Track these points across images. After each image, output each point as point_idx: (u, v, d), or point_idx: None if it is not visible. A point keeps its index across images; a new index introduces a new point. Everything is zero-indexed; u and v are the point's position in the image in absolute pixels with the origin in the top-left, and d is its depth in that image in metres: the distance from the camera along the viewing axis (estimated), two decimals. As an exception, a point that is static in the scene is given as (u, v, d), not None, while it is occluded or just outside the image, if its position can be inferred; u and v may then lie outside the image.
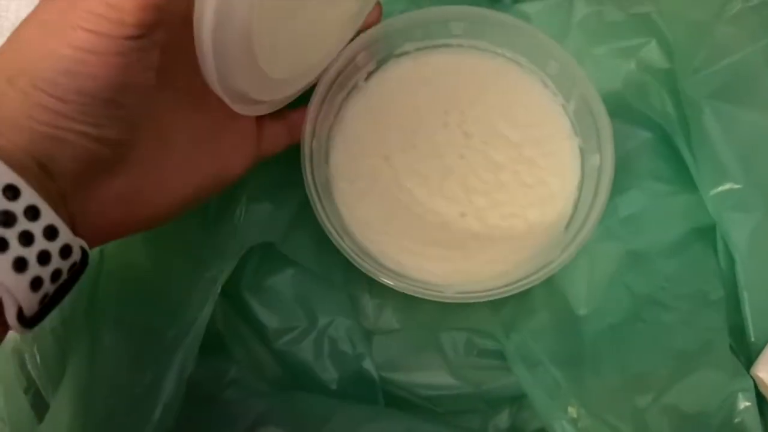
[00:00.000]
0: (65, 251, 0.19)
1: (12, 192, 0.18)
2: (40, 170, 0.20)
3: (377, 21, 0.32)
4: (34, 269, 0.18)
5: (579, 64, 0.33)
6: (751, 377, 0.28)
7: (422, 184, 0.31)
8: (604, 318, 0.31)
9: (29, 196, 0.18)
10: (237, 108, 0.25)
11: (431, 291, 0.28)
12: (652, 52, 0.35)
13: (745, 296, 0.29)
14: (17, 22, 0.21)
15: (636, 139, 0.34)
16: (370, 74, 0.33)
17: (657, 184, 0.33)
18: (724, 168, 0.30)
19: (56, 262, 0.19)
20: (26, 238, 0.18)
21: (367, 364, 0.31)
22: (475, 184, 0.31)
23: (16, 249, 0.18)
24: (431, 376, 0.32)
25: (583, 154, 0.32)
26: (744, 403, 0.27)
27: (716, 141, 0.30)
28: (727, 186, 0.30)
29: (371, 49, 0.32)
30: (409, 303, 0.31)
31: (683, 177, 0.33)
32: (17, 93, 0.20)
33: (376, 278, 0.28)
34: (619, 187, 0.32)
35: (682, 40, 0.33)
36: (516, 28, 0.33)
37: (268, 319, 0.32)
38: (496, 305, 0.32)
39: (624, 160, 0.33)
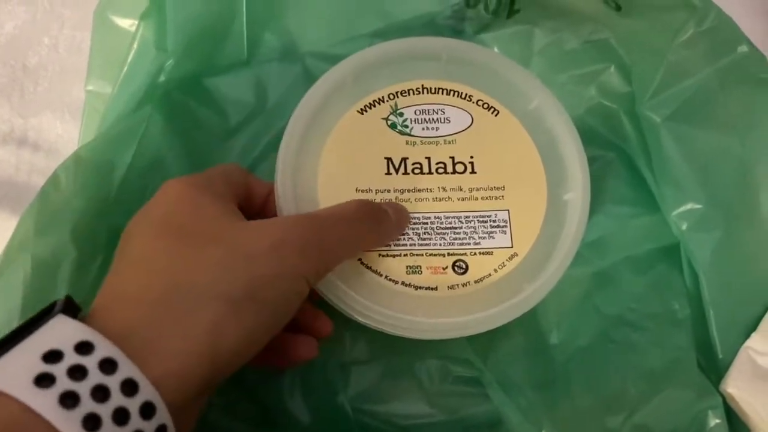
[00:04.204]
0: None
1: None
2: None
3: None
4: None
5: None
6: (720, 394, 0.29)
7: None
8: (576, 341, 0.31)
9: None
10: None
11: (406, 327, 0.28)
12: (612, 78, 0.36)
13: (711, 313, 0.30)
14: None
15: (599, 163, 0.35)
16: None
17: (621, 207, 0.34)
18: (684, 188, 0.31)
19: None
20: None
21: (341, 399, 0.31)
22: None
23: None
24: (407, 406, 0.32)
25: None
26: (714, 421, 0.28)
27: (675, 162, 0.31)
28: (688, 206, 0.31)
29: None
30: (383, 334, 0.31)
31: (646, 199, 0.33)
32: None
33: (350, 317, 0.28)
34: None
35: (639, 65, 0.34)
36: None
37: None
38: (470, 333, 0.32)
39: (590, 183, 0.34)
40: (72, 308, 0.20)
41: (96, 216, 0.28)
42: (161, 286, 0.21)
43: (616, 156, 0.35)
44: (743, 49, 0.32)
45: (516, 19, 0.38)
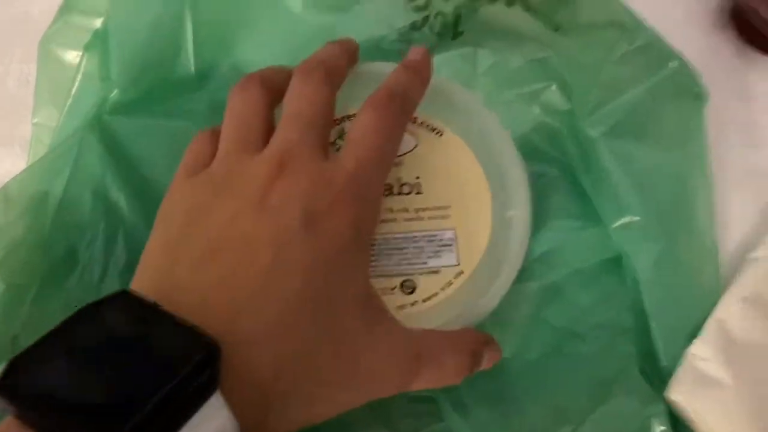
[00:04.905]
0: None
1: None
2: None
3: None
4: None
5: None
6: (666, 401, 0.29)
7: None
8: (526, 354, 0.31)
9: None
10: None
11: None
12: (554, 96, 0.36)
13: (653, 323, 0.30)
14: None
15: (546, 179, 0.36)
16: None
17: (568, 222, 0.34)
18: (623, 202, 0.32)
19: None
20: None
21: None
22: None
23: None
24: (364, 428, 0.32)
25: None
26: (659, 428, 0.28)
27: (613, 177, 0.32)
28: (627, 219, 0.32)
29: None
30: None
31: (592, 213, 0.34)
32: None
33: None
34: (534, 226, 0.34)
35: (578, 83, 0.35)
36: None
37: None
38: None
39: (535, 199, 0.35)
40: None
41: (33, 247, 0.28)
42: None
43: (561, 172, 0.35)
44: (674, 64, 0.33)
45: (461, 40, 0.39)
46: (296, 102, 0.28)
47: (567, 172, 0.35)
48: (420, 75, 0.31)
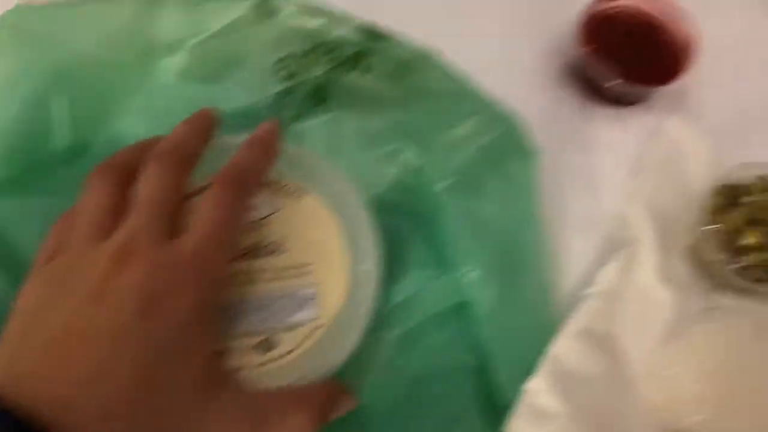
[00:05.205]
0: None
1: None
2: None
3: None
4: None
5: (351, 172, 0.37)
6: (506, 436, 0.32)
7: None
8: (382, 401, 0.34)
9: None
10: None
11: None
12: (409, 155, 0.40)
13: (495, 362, 0.33)
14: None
15: (403, 232, 0.39)
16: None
17: (422, 271, 0.37)
18: (465, 251, 0.35)
19: None
20: None
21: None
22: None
23: None
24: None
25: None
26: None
27: (456, 228, 0.35)
28: (469, 267, 0.35)
29: None
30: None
31: (442, 261, 0.37)
32: None
33: None
34: (392, 276, 0.37)
35: (426, 143, 0.38)
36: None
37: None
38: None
39: (395, 252, 0.38)
40: None
41: None
42: None
43: (417, 225, 0.39)
44: (506, 125, 0.37)
45: (329, 105, 0.42)
46: (147, 188, 0.29)
47: (422, 225, 0.39)
48: (265, 151, 0.33)
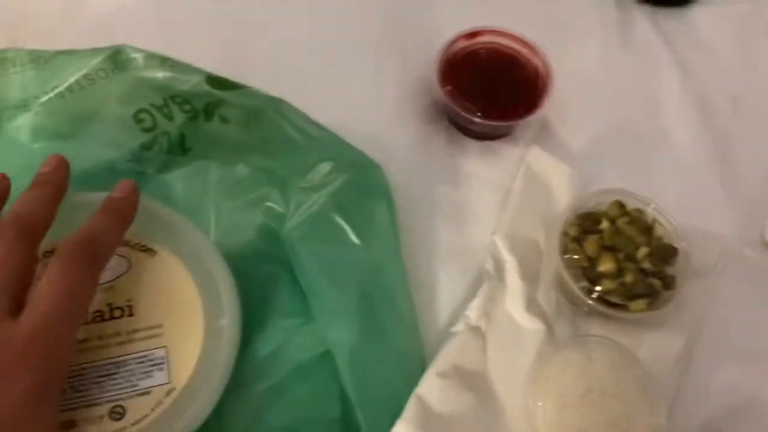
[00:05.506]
0: None
1: None
2: None
3: None
4: None
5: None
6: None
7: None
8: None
9: None
10: None
11: None
12: (275, 201, 0.39)
13: (357, 411, 0.33)
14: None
15: (269, 280, 0.38)
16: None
17: (288, 320, 0.36)
18: (323, 297, 0.35)
19: None
20: None
21: None
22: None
23: None
24: None
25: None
26: None
27: (314, 275, 0.35)
28: (327, 313, 0.34)
29: None
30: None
31: (307, 309, 0.36)
32: None
33: None
34: (258, 327, 0.36)
35: (288, 191, 0.38)
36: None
37: None
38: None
39: (260, 301, 0.37)
40: None
41: None
42: None
43: (282, 272, 0.38)
44: (355, 170, 0.37)
45: (192, 155, 0.42)
46: None
47: (288, 272, 0.38)
48: (119, 214, 0.32)
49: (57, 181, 0.33)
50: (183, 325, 0.34)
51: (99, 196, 0.34)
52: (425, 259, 0.41)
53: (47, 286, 0.27)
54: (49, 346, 0.27)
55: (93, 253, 0.29)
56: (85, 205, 0.33)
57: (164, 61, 0.39)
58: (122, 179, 0.34)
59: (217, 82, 0.38)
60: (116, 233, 0.32)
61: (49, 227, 0.31)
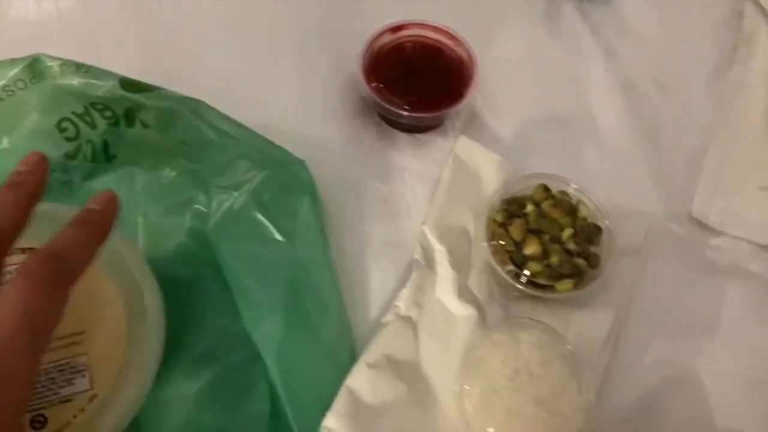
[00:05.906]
0: None
1: None
2: None
3: None
4: None
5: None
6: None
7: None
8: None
9: None
10: None
11: None
12: (202, 203, 0.39)
13: (287, 407, 0.33)
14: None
15: (201, 281, 0.38)
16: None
17: (219, 320, 0.36)
18: (248, 296, 0.34)
19: None
20: None
21: None
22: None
23: None
24: None
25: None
26: None
27: (236, 274, 0.35)
28: (253, 311, 0.34)
29: None
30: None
31: (237, 309, 0.36)
32: None
33: None
34: (189, 329, 0.35)
35: (212, 192, 0.38)
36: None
37: None
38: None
39: (191, 303, 0.36)
40: None
41: None
42: None
43: (213, 273, 0.38)
44: (275, 167, 0.37)
45: (117, 162, 0.41)
46: None
47: (218, 272, 0.38)
48: (95, 228, 0.28)
49: (33, 182, 0.29)
50: (105, 330, 0.33)
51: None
52: (358, 254, 0.41)
53: (5, 310, 0.24)
54: (5, 374, 0.23)
55: (62, 272, 0.26)
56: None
57: (79, 68, 0.38)
58: (99, 190, 0.31)
59: (130, 84, 0.37)
60: (89, 249, 0.28)
61: (19, 234, 0.28)
